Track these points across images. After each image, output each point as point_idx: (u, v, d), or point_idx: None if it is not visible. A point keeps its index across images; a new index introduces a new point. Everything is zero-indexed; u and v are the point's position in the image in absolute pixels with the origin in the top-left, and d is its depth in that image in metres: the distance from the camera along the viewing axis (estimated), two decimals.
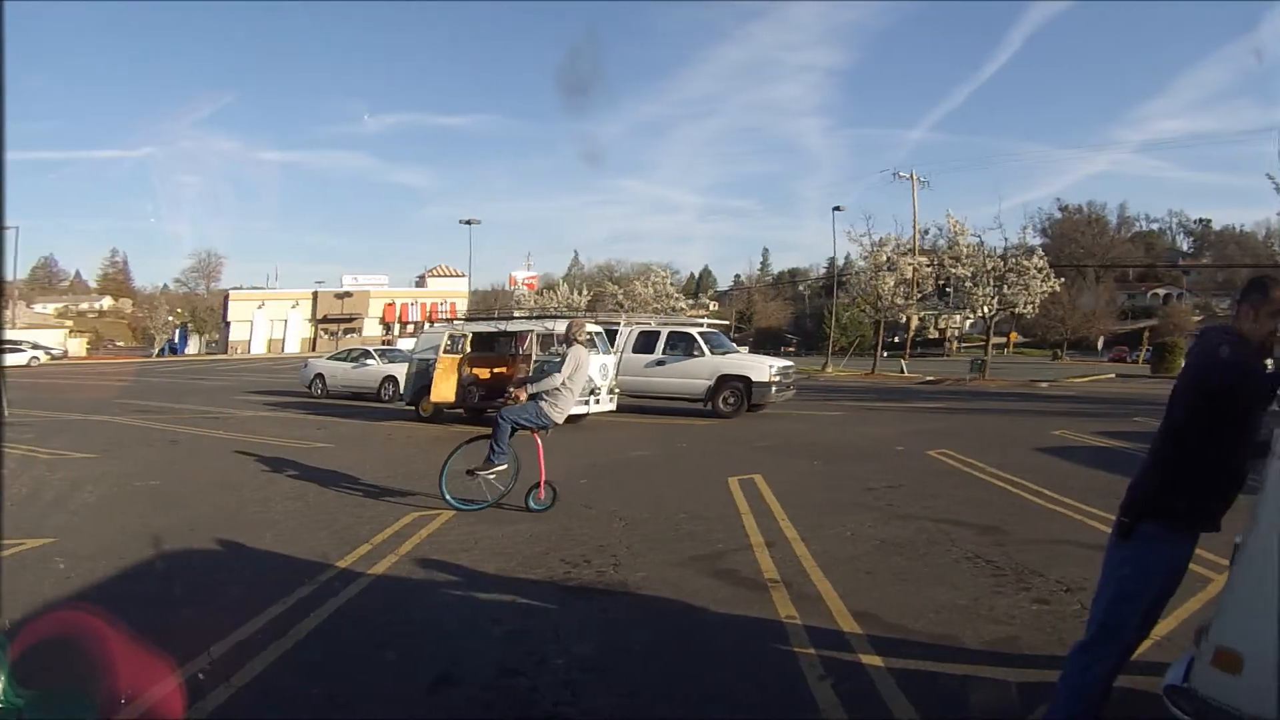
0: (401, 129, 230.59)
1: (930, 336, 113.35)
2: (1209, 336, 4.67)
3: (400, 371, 28.77)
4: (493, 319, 32.16)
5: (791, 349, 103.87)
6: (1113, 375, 52.14)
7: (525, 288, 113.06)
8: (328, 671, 6.28)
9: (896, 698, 5.61)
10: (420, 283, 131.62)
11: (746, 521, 11.06)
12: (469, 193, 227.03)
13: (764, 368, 25.69)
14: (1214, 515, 4.52)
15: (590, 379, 21.79)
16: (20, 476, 14.52)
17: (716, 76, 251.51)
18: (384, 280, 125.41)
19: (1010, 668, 6.13)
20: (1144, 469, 4.74)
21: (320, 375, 34.80)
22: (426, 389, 23.56)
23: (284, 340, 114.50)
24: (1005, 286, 45.72)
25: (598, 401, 22.97)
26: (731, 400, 25.24)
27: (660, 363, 26.59)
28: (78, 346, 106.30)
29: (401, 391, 27.28)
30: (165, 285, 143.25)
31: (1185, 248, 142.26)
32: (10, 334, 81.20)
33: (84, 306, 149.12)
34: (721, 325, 34.39)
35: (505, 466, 11.85)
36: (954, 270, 48.39)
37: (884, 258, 52.94)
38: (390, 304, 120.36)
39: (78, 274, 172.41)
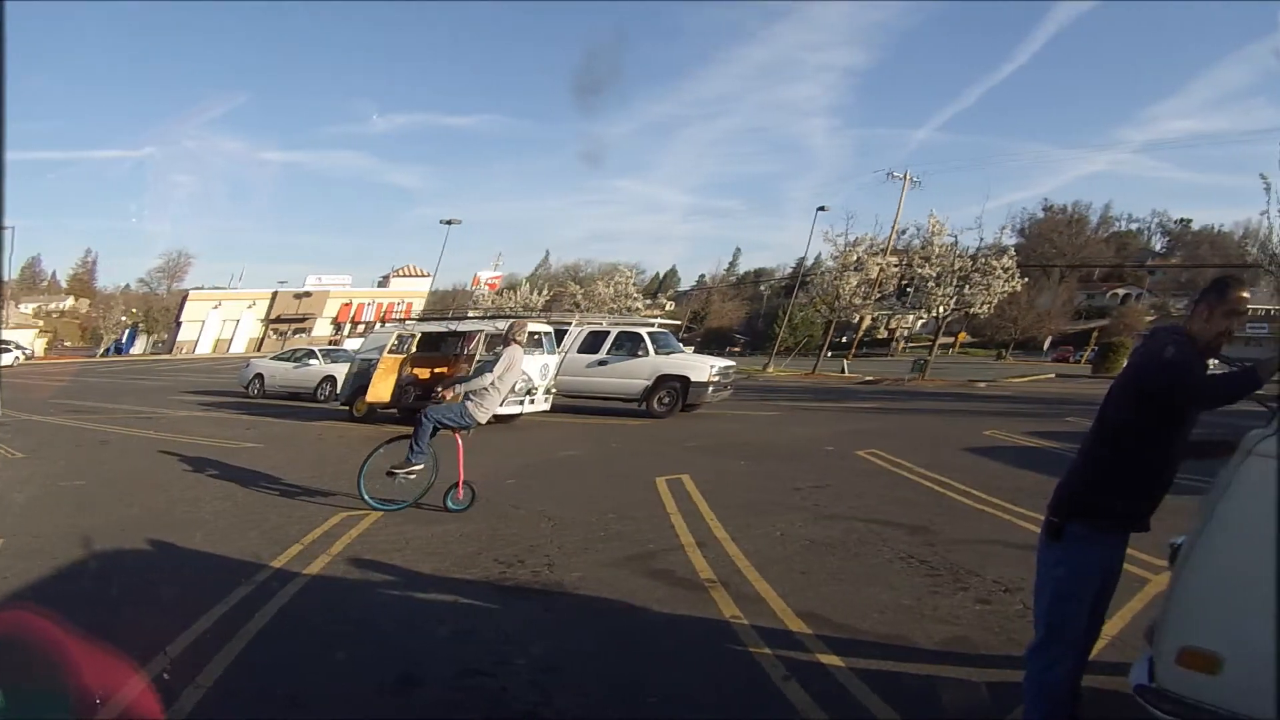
0: (401, 129, 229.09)
1: (879, 336, 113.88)
2: (1157, 337, 4.72)
3: (341, 371, 28.71)
4: (444, 319, 32.07)
5: (737, 349, 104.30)
6: (1052, 375, 52.57)
7: (487, 288, 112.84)
8: (286, 673, 6.31)
9: (869, 697, 5.67)
10: (383, 283, 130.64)
11: (675, 521, 11.11)
12: (461, 193, 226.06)
13: (704, 368, 25.63)
14: (1143, 516, 4.59)
15: (529, 379, 22.01)
16: None
17: (732, 77, 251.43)
18: (347, 280, 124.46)
19: (971, 667, 6.21)
20: (1073, 469, 4.79)
21: (259, 375, 34.67)
22: (364, 389, 23.44)
23: (231, 340, 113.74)
24: (967, 286, 45.94)
25: (532, 401, 22.97)
26: (666, 400, 25.22)
27: (602, 363, 26.49)
28: (40, 347, 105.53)
29: (339, 391, 27.24)
30: (127, 285, 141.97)
31: (1159, 248, 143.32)
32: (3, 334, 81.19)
33: (53, 307, 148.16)
34: (673, 325, 34.33)
35: (423, 466, 11.83)
36: (920, 270, 48.52)
37: (854, 258, 53.14)
38: (346, 304, 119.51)
39: (53, 274, 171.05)
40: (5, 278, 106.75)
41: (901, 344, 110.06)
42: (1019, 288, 48.66)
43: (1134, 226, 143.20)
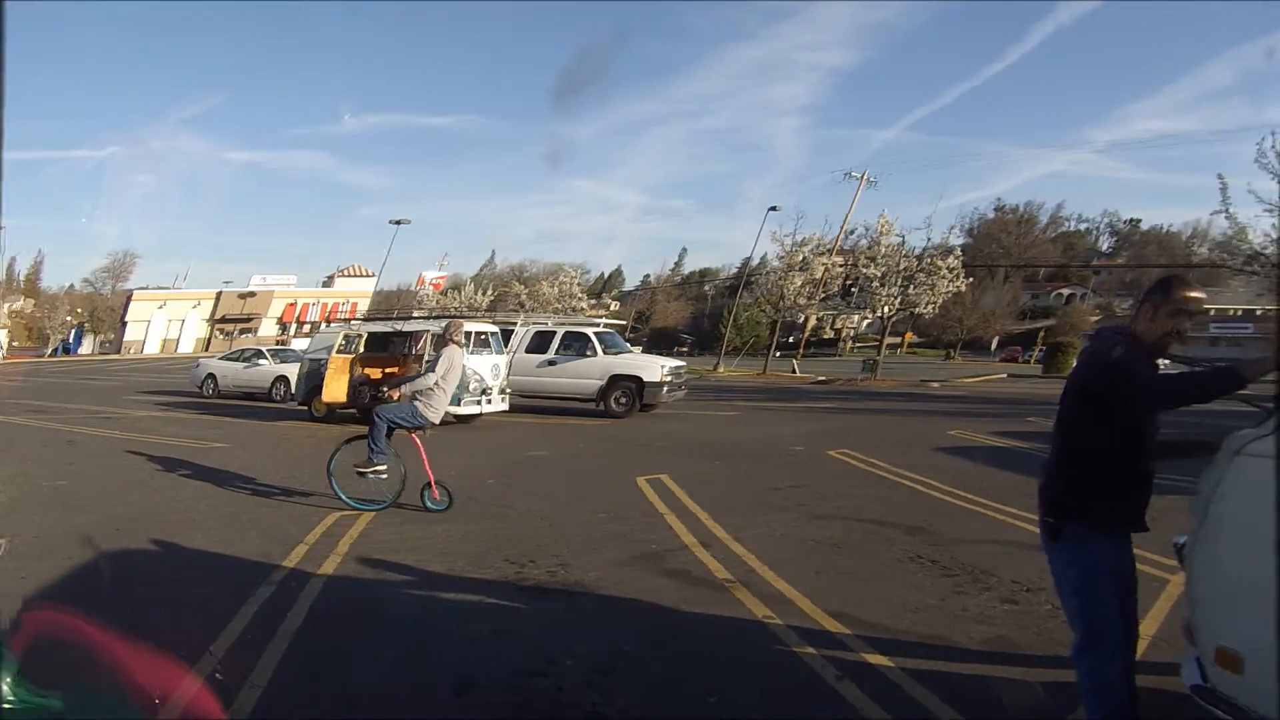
0: (358, 129, 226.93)
1: (826, 337, 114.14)
2: (1103, 337, 4.79)
3: (292, 372, 28.75)
4: (389, 319, 32.01)
5: (685, 349, 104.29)
6: (1004, 375, 53.08)
7: (432, 288, 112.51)
8: (338, 672, 6.29)
9: (928, 698, 5.69)
10: (328, 283, 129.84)
11: (670, 521, 11.17)
12: (415, 193, 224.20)
13: (655, 367, 25.88)
14: (1131, 515, 4.61)
15: (481, 378, 22.21)
16: None
17: (718, 77, 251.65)
18: (291, 280, 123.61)
19: (1021, 667, 6.23)
20: (1048, 470, 4.86)
21: (211, 375, 34.58)
22: (318, 389, 23.57)
23: (178, 340, 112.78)
24: (911, 286, 46.10)
25: (489, 401, 23.04)
26: (624, 400, 25.42)
27: (552, 363, 26.71)
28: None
29: (293, 391, 27.22)
30: (71, 285, 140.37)
31: (1105, 248, 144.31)
32: None
33: (16, 306, 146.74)
34: (618, 325, 34.36)
35: (386, 466, 11.86)
36: (865, 270, 48.66)
37: (800, 257, 53.23)
38: (291, 304, 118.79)
39: (19, 275, 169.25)
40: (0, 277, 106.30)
41: (849, 344, 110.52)
42: (963, 288, 48.91)
43: (1083, 226, 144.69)
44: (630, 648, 6.79)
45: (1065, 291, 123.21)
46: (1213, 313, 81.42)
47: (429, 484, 11.80)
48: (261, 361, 33.68)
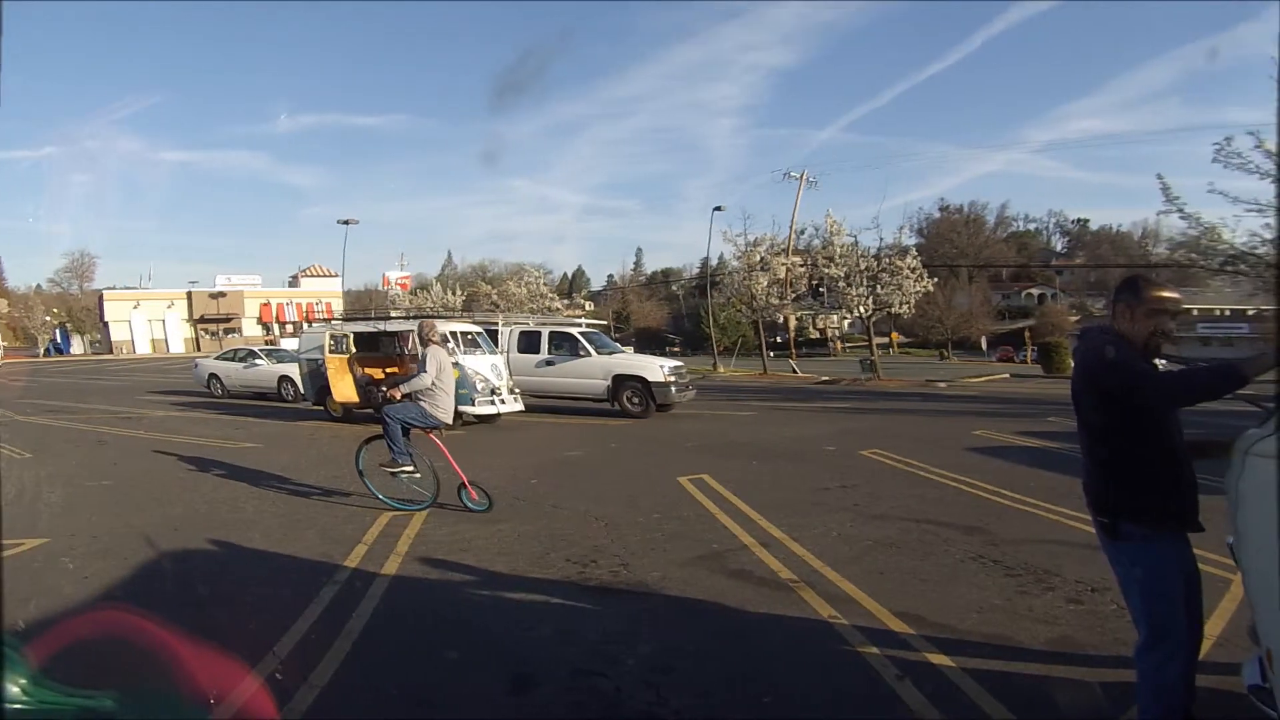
0: (295, 129, 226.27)
1: (812, 336, 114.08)
2: (1090, 337, 4.79)
3: (293, 371, 29.09)
4: (370, 319, 32.01)
5: (676, 349, 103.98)
6: (1007, 375, 52.61)
7: (399, 288, 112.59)
8: (400, 672, 6.28)
9: (984, 697, 5.68)
10: (294, 283, 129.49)
11: (724, 521, 11.14)
12: (354, 193, 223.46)
13: (656, 367, 25.90)
14: (1183, 514, 4.57)
15: (485, 379, 22.31)
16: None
17: (653, 77, 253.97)
18: (257, 280, 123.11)
19: (1083, 667, 6.21)
20: (1088, 470, 4.84)
21: (215, 375, 34.67)
22: (326, 389, 23.72)
23: (166, 340, 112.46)
24: (879, 286, 46.01)
25: (503, 401, 23.01)
26: (637, 400, 25.38)
27: (549, 363, 26.78)
28: None
29: (302, 392, 27.27)
30: (39, 285, 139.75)
31: (1059, 248, 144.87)
32: None
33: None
34: (600, 325, 34.31)
35: (412, 466, 11.94)
36: (827, 270, 48.47)
37: (757, 258, 53.10)
38: (266, 304, 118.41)
39: None
40: None
41: (839, 344, 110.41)
42: (931, 288, 48.78)
43: (1032, 226, 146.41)
44: (693, 648, 6.81)
45: (1035, 291, 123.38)
46: (1195, 313, 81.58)
47: (464, 484, 11.86)
48: (259, 361, 33.82)
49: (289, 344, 42.50)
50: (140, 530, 10.53)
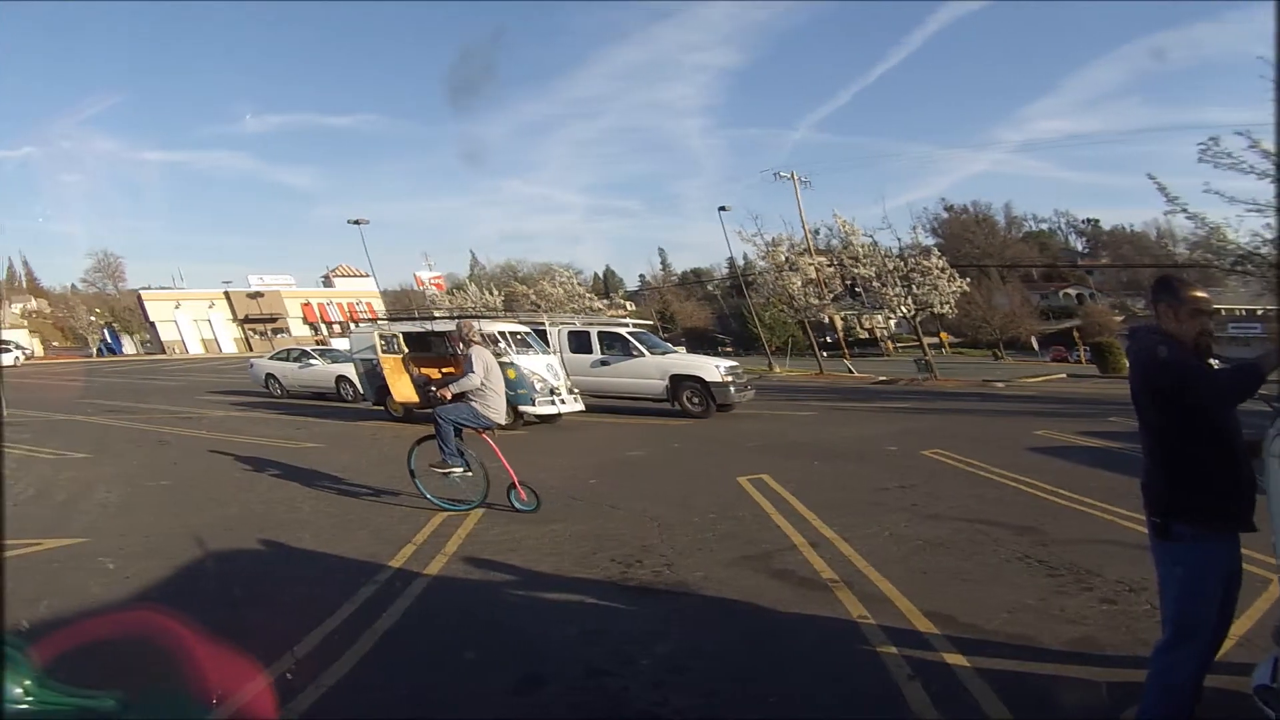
0: (283, 129, 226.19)
1: (861, 336, 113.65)
2: (1141, 337, 4.77)
3: (349, 371, 29.06)
4: (416, 319, 31.99)
5: (728, 349, 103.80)
6: (1064, 375, 52.13)
7: (434, 288, 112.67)
8: (414, 672, 6.35)
9: (988, 697, 5.68)
10: (327, 283, 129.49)
11: (778, 521, 11.09)
12: (354, 193, 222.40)
13: (712, 368, 25.76)
14: (1237, 514, 4.54)
15: (542, 379, 22.28)
16: (25, 476, 14.45)
17: (609, 76, 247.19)
18: (291, 280, 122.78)
19: (1096, 667, 6.19)
20: (1148, 469, 4.80)
21: (272, 375, 34.71)
22: (385, 389, 23.68)
23: (217, 340, 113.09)
24: (914, 286, 45.75)
25: (564, 401, 23.00)
26: (697, 400, 25.25)
27: (604, 363, 26.68)
28: (38, 346, 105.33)
29: (361, 392, 27.37)
30: (73, 285, 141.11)
31: (1079, 248, 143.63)
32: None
33: (32, 307, 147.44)
34: (647, 325, 34.31)
35: (461, 468, 11.95)
36: (856, 270, 48.24)
37: (782, 258, 52.65)
38: (307, 304, 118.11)
39: (20, 276, 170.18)
40: (1, 277, 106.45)
41: (891, 344, 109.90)
42: (965, 287, 48.46)
43: (1042, 226, 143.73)
44: (714, 648, 6.83)
45: (1073, 291, 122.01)
46: (1222, 313, 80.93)
47: (514, 484, 11.89)
48: (313, 361, 33.74)
49: (339, 344, 42.50)
50: (193, 530, 10.63)
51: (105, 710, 4.37)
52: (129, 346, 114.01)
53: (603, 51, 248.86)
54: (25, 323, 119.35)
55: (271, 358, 36.36)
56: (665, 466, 16.12)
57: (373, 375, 24.58)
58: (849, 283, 55.45)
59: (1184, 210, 29.38)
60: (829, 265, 52.75)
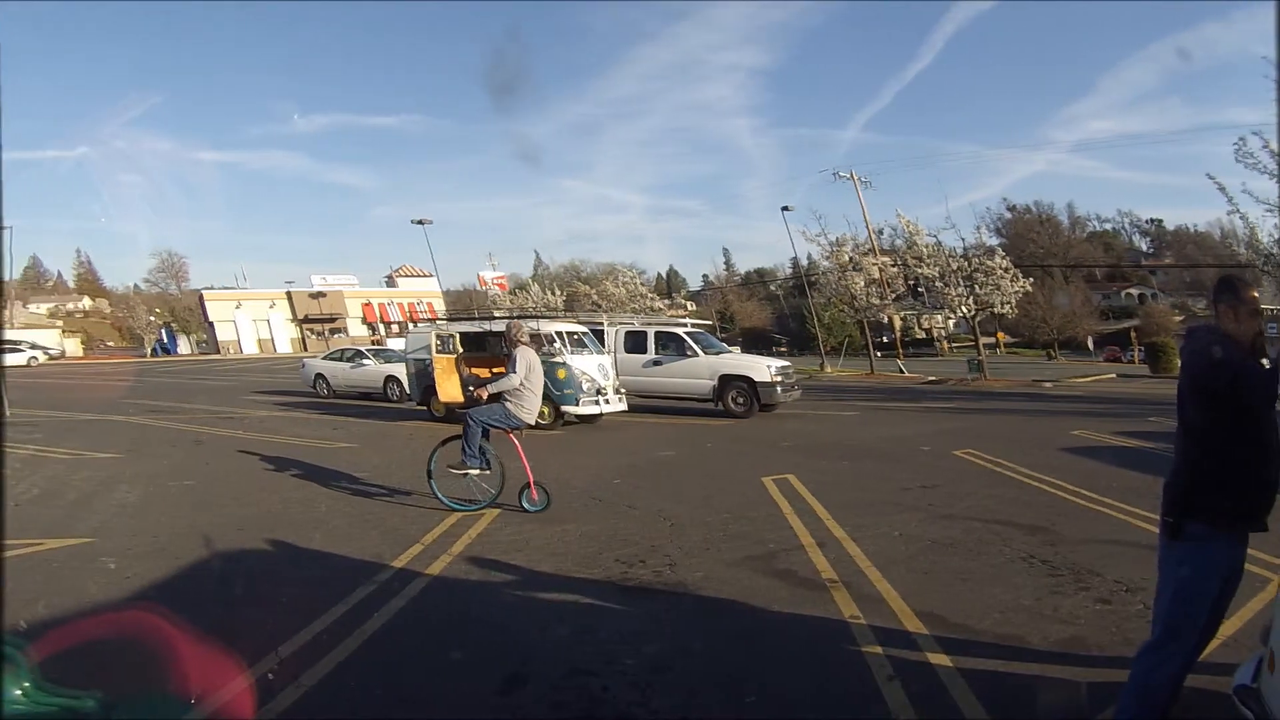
0: (341, 129, 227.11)
1: (918, 336, 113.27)
2: (1198, 337, 4.74)
3: (400, 371, 29.05)
4: (473, 319, 32.09)
5: (783, 349, 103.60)
6: (1114, 375, 51.78)
7: (497, 288, 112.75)
8: (396, 672, 6.33)
9: (966, 697, 5.66)
10: (390, 283, 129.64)
11: (792, 521, 11.06)
12: (412, 193, 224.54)
13: (763, 368, 25.74)
14: (1256, 515, 4.56)
15: (591, 379, 22.40)
16: (29, 477, 14.56)
17: (644, 77, 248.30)
18: (354, 280, 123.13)
19: (1079, 667, 6.16)
20: (1175, 469, 4.77)
21: (322, 375, 34.78)
22: (432, 389, 23.77)
23: (273, 340, 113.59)
24: (977, 286, 45.53)
25: (607, 401, 23.10)
26: (741, 400, 25.24)
27: (656, 363, 26.71)
28: (74, 346, 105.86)
29: (408, 392, 27.38)
30: (136, 286, 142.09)
31: (1144, 248, 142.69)
32: (8, 334, 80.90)
33: (70, 307, 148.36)
34: (705, 325, 34.30)
35: (479, 470, 11.97)
36: (920, 270, 48.13)
37: (846, 258, 52.74)
38: (368, 304, 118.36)
39: (59, 275, 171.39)
40: (6, 278, 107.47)
41: (946, 344, 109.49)
42: (1029, 288, 48.20)
43: (1106, 226, 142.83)
44: (701, 648, 6.82)
45: (1134, 292, 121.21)
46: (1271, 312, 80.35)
47: (528, 485, 11.88)
48: (366, 361, 33.83)
49: (395, 344, 42.67)
50: (204, 530, 10.67)
51: (86, 710, 4.40)
52: (184, 346, 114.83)
53: (632, 52, 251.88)
54: (59, 323, 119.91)
55: (325, 358, 36.54)
56: (693, 467, 16.09)
57: (422, 375, 24.73)
58: (912, 283, 55.36)
59: (1236, 210, 29.25)
60: (892, 265, 52.69)
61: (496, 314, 46.46)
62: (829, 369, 58.43)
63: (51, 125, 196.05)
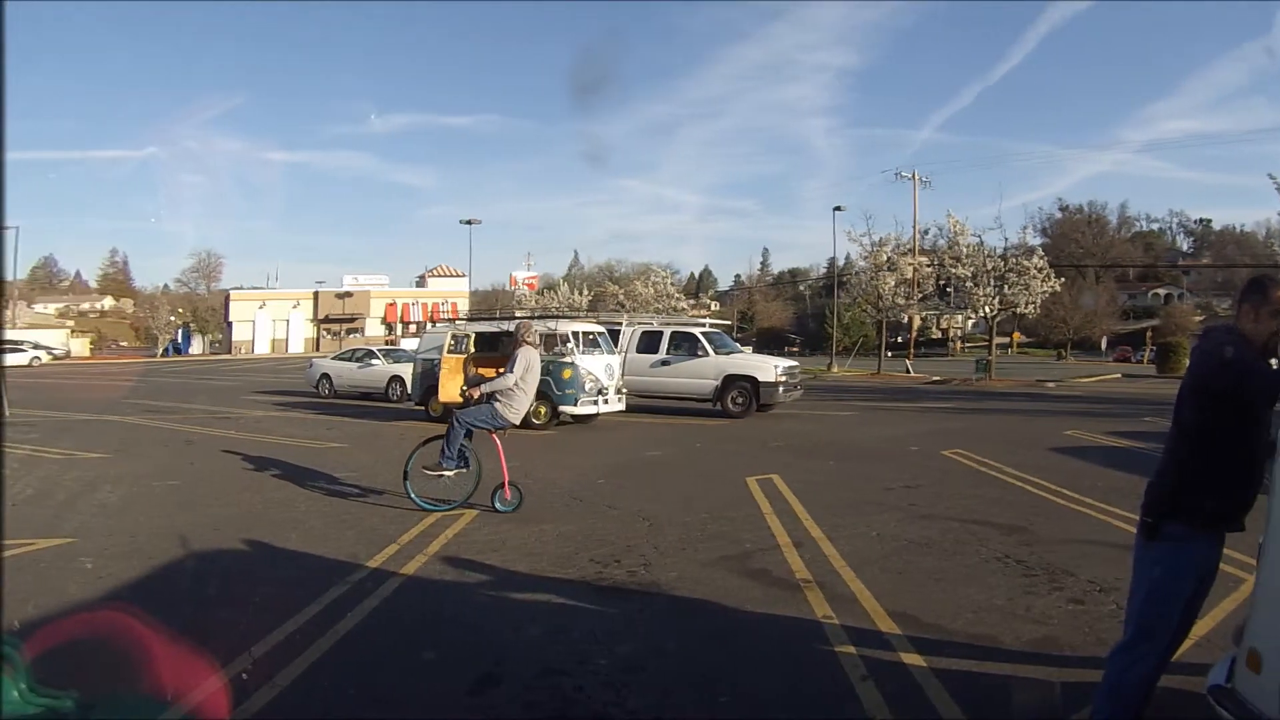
0: (405, 129, 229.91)
1: (933, 336, 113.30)
2: (1212, 336, 4.70)
3: (406, 371, 29.07)
4: (493, 319, 32.16)
5: (795, 349, 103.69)
6: (1119, 375, 52.14)
7: (526, 288, 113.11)
8: (369, 672, 6.28)
9: (941, 697, 5.62)
10: (421, 283, 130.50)
11: (771, 521, 11.08)
12: (471, 193, 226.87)
13: (769, 368, 25.87)
14: (1235, 515, 4.55)
15: (596, 379, 22.43)
16: (24, 477, 14.47)
17: (729, 77, 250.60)
18: (384, 280, 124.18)
19: (1052, 667, 6.15)
20: (1161, 469, 4.76)
21: (326, 375, 34.81)
22: (434, 389, 23.68)
23: (287, 340, 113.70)
24: (1006, 286, 45.62)
25: (606, 401, 23.15)
26: (740, 400, 25.34)
27: (665, 363, 26.74)
28: (80, 346, 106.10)
29: (409, 391, 27.48)
30: (166, 285, 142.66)
31: (1185, 248, 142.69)
32: (11, 334, 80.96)
33: (85, 306, 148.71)
34: (723, 325, 34.38)
35: (454, 472, 11.94)
36: (954, 270, 48.38)
37: (884, 258, 53.03)
38: (391, 304, 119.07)
39: (78, 274, 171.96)
40: (9, 278, 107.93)
41: (959, 344, 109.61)
42: (1058, 288, 48.31)
43: (1154, 226, 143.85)
44: (673, 647, 6.80)
45: (1161, 292, 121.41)
46: None
47: (502, 485, 11.84)
48: (374, 361, 33.85)
49: (409, 344, 42.65)
50: (181, 530, 10.60)
51: (65, 710, 4.40)
52: (197, 346, 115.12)
53: (723, 51, 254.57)
54: (69, 323, 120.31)
55: (335, 358, 36.68)
56: (679, 467, 16.15)
57: (427, 374, 24.76)
58: (942, 283, 55.49)
59: None
60: (927, 265, 52.89)
61: (517, 314, 46.45)
62: (835, 369, 58.65)
63: (129, 126, 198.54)
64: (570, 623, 7.39)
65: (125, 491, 13.33)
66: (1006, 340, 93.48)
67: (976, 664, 6.22)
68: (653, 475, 15.10)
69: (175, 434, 21.48)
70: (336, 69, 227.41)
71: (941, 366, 63.95)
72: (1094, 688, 4.86)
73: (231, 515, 11.66)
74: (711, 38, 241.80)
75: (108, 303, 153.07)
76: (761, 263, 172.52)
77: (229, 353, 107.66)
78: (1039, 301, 46.57)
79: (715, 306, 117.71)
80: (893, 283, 52.12)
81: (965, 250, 47.29)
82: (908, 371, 53.50)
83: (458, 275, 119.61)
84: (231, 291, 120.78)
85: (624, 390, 24.36)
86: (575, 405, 22.23)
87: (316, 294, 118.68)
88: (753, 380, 25.37)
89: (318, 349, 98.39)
